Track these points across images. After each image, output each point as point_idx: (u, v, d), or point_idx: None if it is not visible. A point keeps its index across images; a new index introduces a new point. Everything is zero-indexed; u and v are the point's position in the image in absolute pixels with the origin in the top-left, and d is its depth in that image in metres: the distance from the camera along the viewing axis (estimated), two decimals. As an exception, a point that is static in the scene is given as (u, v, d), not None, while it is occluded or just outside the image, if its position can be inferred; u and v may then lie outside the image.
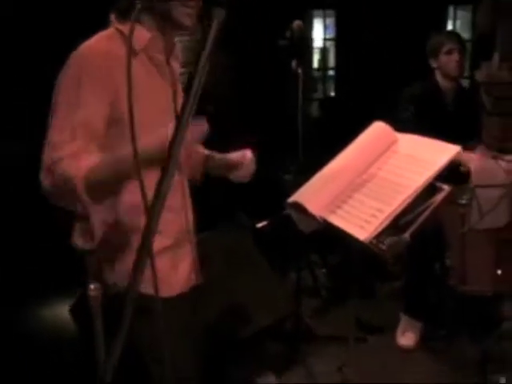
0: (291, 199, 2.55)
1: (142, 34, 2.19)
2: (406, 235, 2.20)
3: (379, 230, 2.20)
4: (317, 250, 5.09)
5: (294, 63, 4.16)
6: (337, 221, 2.36)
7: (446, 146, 2.38)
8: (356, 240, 2.23)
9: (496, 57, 5.59)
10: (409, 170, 2.37)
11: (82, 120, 2.06)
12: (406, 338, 4.27)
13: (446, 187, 2.27)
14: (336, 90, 7.32)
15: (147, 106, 2.11)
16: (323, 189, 2.48)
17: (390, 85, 4.67)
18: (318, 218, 2.40)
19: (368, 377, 3.69)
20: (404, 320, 4.31)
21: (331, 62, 7.58)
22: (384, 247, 2.18)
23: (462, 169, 3.85)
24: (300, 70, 4.15)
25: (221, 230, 3.86)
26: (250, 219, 4.48)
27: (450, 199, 3.98)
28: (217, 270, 3.46)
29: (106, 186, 2.03)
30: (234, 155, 2.62)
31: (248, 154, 2.61)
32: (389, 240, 2.19)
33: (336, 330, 4.15)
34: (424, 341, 4.28)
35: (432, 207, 2.24)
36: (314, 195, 2.47)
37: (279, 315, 3.92)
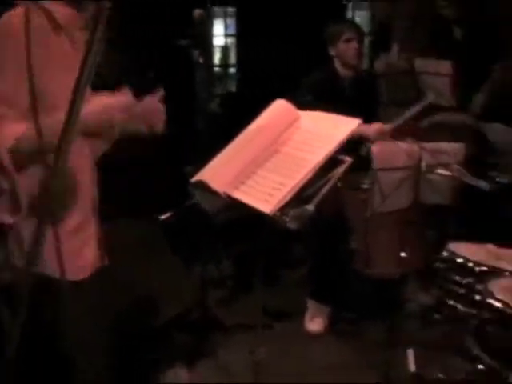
0: (194, 178, 2.54)
1: (64, 10, 2.16)
2: (310, 207, 2.22)
3: (283, 202, 2.22)
4: (222, 241, 5.09)
5: (195, 53, 4.15)
6: (241, 196, 2.37)
7: (346, 120, 2.42)
8: (261, 214, 2.25)
9: (394, 48, 5.73)
10: (311, 144, 2.39)
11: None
12: (315, 323, 4.31)
13: (347, 158, 2.30)
14: (237, 86, 7.35)
15: (65, 82, 2.06)
16: (226, 166, 2.48)
17: (292, 80, 4.71)
18: (221, 194, 2.39)
19: (277, 363, 3.72)
20: (311, 305, 4.35)
21: (232, 59, 7.60)
22: (288, 219, 2.20)
23: (362, 152, 3.95)
24: (202, 60, 4.15)
25: (128, 221, 3.82)
26: (155, 212, 4.46)
27: (352, 185, 4.09)
28: (124, 260, 3.43)
29: (32, 157, 1.99)
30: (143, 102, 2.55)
31: (155, 99, 2.54)
32: (292, 212, 2.21)
33: (244, 319, 4.15)
34: (332, 325, 4.33)
35: (334, 179, 2.27)
36: (218, 172, 2.47)
37: (186, 305, 3.91)
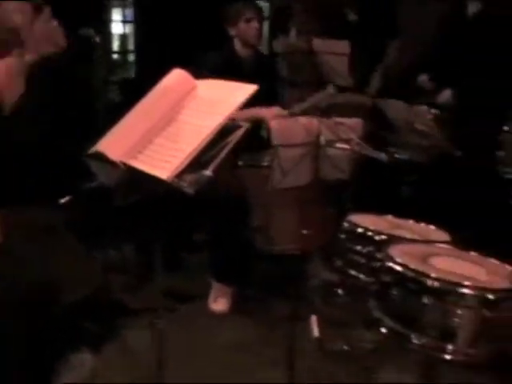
0: (91, 150, 2.50)
1: None
2: (208, 172, 2.21)
3: (180, 168, 2.22)
4: (124, 225, 5.02)
5: (89, 31, 4.10)
6: (138, 165, 2.36)
7: (243, 86, 2.42)
8: (159, 181, 2.23)
9: (293, 32, 5.78)
10: (208, 111, 2.39)
11: None
12: (218, 304, 4.30)
13: (245, 124, 2.29)
14: (136, 73, 7.31)
15: None
16: (123, 135, 2.47)
17: (190, 65, 4.69)
18: (118, 164, 2.37)
19: (184, 345, 3.70)
20: (215, 286, 4.33)
21: (130, 45, 7.57)
22: (185, 184, 2.19)
23: (262, 133, 3.96)
24: (98, 39, 4.10)
25: (26, 205, 3.74)
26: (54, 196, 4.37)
27: (252, 163, 4.09)
28: (24, 246, 3.36)
29: None
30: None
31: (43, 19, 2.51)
32: (190, 177, 2.20)
33: (148, 303, 4.09)
34: (237, 303, 4.32)
35: (231, 144, 2.26)
36: (115, 143, 2.46)
37: (89, 290, 3.85)
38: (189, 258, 5.03)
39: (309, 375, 3.43)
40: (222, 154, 2.24)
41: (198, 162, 2.25)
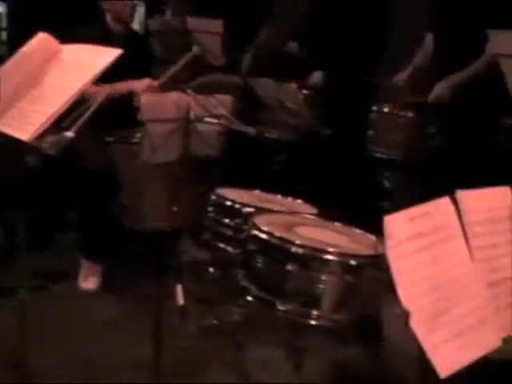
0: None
1: None
2: (69, 133, 2.19)
3: (41, 129, 2.21)
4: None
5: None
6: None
7: (107, 50, 2.42)
8: (20, 143, 2.20)
9: (169, 13, 5.79)
10: (72, 74, 2.39)
11: None
12: (88, 282, 4.23)
13: (107, 87, 2.30)
14: (8, 51, 7.14)
15: None
16: None
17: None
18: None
19: (53, 323, 3.67)
20: (85, 265, 4.27)
21: (3, 23, 7.40)
22: (47, 145, 2.16)
23: (135, 103, 3.92)
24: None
25: None
26: None
27: (122, 139, 4.05)
28: None
29: None
30: None
31: None
32: (51, 138, 2.17)
33: (17, 281, 3.99)
34: (107, 283, 4.28)
35: (94, 107, 2.25)
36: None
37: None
38: (63, 236, 4.92)
39: (178, 352, 3.43)
40: (84, 117, 2.22)
41: (59, 125, 2.23)
